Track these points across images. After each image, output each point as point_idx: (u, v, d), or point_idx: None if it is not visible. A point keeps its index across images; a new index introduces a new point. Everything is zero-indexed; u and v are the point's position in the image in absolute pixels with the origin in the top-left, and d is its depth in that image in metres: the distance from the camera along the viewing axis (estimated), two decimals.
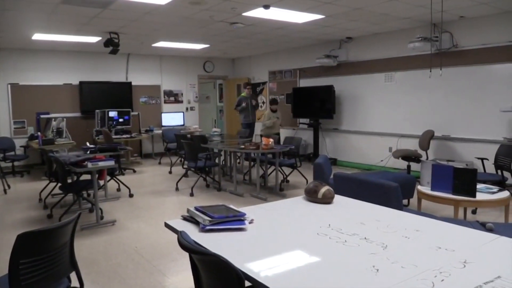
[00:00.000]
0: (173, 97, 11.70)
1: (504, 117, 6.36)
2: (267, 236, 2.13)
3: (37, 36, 7.80)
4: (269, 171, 7.33)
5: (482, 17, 6.67)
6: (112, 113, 9.86)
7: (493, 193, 4.01)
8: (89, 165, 4.88)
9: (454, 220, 3.08)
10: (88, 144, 6.95)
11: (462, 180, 3.86)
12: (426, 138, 7.01)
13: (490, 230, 2.87)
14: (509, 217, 4.16)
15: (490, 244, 1.98)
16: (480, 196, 3.86)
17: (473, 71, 6.86)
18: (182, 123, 11.30)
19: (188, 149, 7.00)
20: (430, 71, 6.74)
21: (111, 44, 7.82)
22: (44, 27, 7.04)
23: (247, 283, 1.62)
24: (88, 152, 6.10)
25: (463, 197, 3.82)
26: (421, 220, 2.41)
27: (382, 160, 8.40)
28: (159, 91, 11.43)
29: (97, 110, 9.72)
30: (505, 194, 4.00)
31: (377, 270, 1.65)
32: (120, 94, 10.62)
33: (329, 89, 9.03)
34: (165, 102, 11.55)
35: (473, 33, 6.82)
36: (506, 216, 4.12)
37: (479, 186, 4.09)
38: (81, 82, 10.06)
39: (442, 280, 1.56)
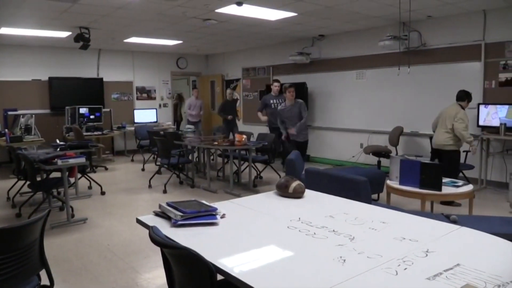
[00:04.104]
0: (146, 93, 11.58)
1: (469, 113, 6.55)
2: (238, 230, 2.16)
3: (4, 30, 7.59)
4: (243, 167, 7.37)
5: (449, 17, 6.87)
6: (83, 110, 9.68)
7: (458, 187, 4.16)
8: (59, 162, 4.79)
9: (420, 213, 3.19)
10: (58, 141, 6.81)
11: (428, 175, 4.00)
12: (396, 134, 7.18)
13: (454, 222, 2.98)
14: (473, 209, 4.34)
15: (451, 234, 2.07)
16: (445, 190, 4.01)
17: (440, 69, 7.07)
18: (155, 120, 11.20)
19: (161, 146, 6.96)
20: (399, 69, 6.91)
21: (82, 39, 7.68)
22: (11, 21, 6.86)
23: (219, 277, 1.65)
24: (58, 149, 5.98)
25: (430, 191, 3.95)
26: (388, 213, 2.49)
27: (353, 156, 8.55)
28: (132, 87, 11.29)
29: (67, 107, 9.52)
30: (468, 188, 4.17)
31: (344, 260, 1.71)
32: (91, 91, 10.43)
33: (302, 86, 9.12)
34: (137, 98, 11.41)
35: (441, 33, 7.02)
36: (470, 209, 4.28)
37: (445, 180, 4.23)
38: (50, 78, 9.83)
39: (405, 268, 1.63)
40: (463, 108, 5.60)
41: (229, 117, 9.11)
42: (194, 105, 10.47)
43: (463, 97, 5.66)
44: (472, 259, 1.72)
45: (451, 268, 1.62)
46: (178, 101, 13.63)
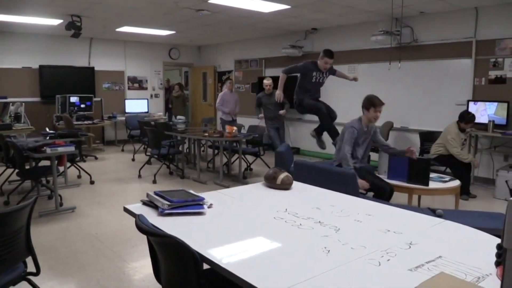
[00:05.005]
0: (137, 83, 11.51)
1: (459, 110, 6.61)
2: (224, 220, 2.18)
3: None
4: (233, 159, 7.38)
5: (441, 13, 6.90)
6: (74, 99, 9.59)
7: (445, 182, 4.21)
8: (48, 150, 4.77)
9: (407, 207, 3.22)
10: (47, 129, 6.77)
11: (416, 170, 4.04)
12: (386, 129, 7.23)
13: (439, 216, 3.02)
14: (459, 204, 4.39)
15: (435, 227, 2.11)
16: (432, 185, 4.05)
17: (431, 65, 7.11)
18: (146, 110, 11.15)
19: (152, 136, 6.95)
20: (390, 63, 6.94)
21: (73, 28, 7.59)
22: (2, 7, 6.76)
23: (205, 266, 1.67)
24: (48, 137, 5.95)
25: (417, 186, 4.00)
26: (374, 205, 2.52)
27: None
28: (123, 77, 11.22)
29: (57, 95, 9.43)
30: (455, 183, 4.22)
31: (328, 251, 1.73)
32: (82, 79, 10.35)
33: (294, 79, 9.11)
34: (129, 88, 11.35)
35: (433, 29, 7.06)
36: (456, 203, 4.35)
37: (432, 175, 4.28)
38: (41, 66, 9.74)
39: (388, 260, 1.65)
40: (460, 128, 5.73)
41: (283, 112, 7.45)
42: (228, 100, 8.33)
43: (461, 117, 5.78)
44: (454, 252, 1.75)
45: (433, 260, 1.65)
46: (181, 91, 11.16)
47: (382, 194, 3.93)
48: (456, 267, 1.58)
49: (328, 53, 5.51)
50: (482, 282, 1.45)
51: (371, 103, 4.18)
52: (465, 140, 6.12)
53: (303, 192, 2.76)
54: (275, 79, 8.64)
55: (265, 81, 7.55)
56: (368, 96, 4.30)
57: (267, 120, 7.57)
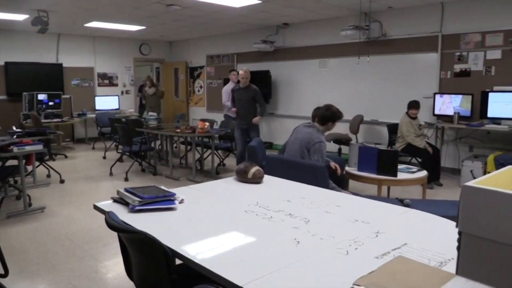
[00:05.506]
0: (108, 80, 11.30)
1: (426, 103, 6.80)
2: (196, 215, 2.18)
3: None
4: (206, 155, 7.36)
5: (409, 8, 7.05)
6: (42, 96, 9.35)
7: (413, 172, 4.33)
8: (15, 149, 4.63)
9: (376, 197, 3.30)
10: (14, 128, 6.58)
11: (385, 161, 4.13)
12: (356, 123, 7.35)
13: (407, 205, 3.10)
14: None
15: (402, 216, 2.18)
16: (400, 176, 4.16)
17: (399, 59, 7.26)
18: (117, 107, 10.96)
19: (123, 133, 6.86)
20: (359, 58, 7.05)
21: (40, 23, 7.38)
22: None
23: (177, 261, 1.67)
24: (15, 136, 5.79)
25: (386, 177, 4.09)
26: (343, 197, 2.57)
27: None
28: (93, 73, 10.98)
29: (24, 93, 9.15)
30: (423, 173, 4.34)
31: (298, 242, 1.76)
32: (50, 76, 10.07)
33: (266, 74, 9.16)
34: (99, 85, 11.12)
35: (400, 23, 7.20)
36: (423, 193, 4.48)
37: (401, 166, 4.39)
38: (6, 63, 9.42)
39: (356, 248, 1.70)
40: (409, 116, 6.20)
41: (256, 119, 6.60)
42: None
43: (407, 106, 6.28)
44: (419, 239, 1.81)
45: (399, 248, 1.70)
46: (154, 86, 9.59)
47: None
48: (420, 253, 1.64)
49: None
50: (445, 267, 1.50)
51: (338, 117, 4.04)
52: (420, 125, 6.38)
53: (274, 186, 2.79)
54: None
55: (241, 72, 6.51)
56: (335, 109, 4.11)
57: (237, 118, 6.72)
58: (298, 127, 4.16)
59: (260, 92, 6.63)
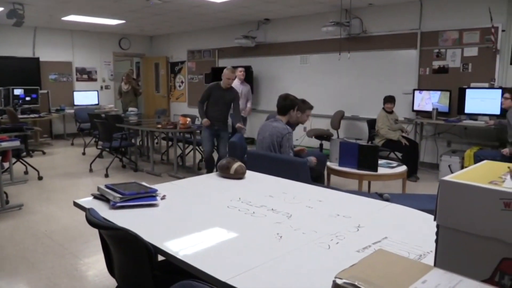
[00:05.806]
0: (86, 74, 11.12)
1: (406, 99, 6.91)
2: (178, 210, 2.18)
3: None
4: (187, 150, 7.32)
5: (389, 5, 7.13)
6: (18, 91, 9.15)
7: (392, 167, 4.40)
8: None
9: (356, 192, 3.34)
10: None
11: (365, 156, 4.18)
12: (337, 118, 7.42)
13: (386, 200, 3.16)
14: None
15: (382, 211, 2.21)
16: (381, 171, 4.22)
17: (379, 56, 7.35)
18: (96, 102, 10.81)
19: (102, 129, 6.77)
20: (340, 54, 7.10)
21: (15, 16, 7.21)
22: None
23: (160, 258, 1.67)
24: None
25: (366, 172, 4.15)
26: (324, 192, 2.60)
27: (297, 139, 8.71)
28: (71, 68, 10.79)
29: (0, 88, 8.97)
30: (402, 168, 4.41)
31: (281, 237, 1.78)
32: (27, 71, 9.86)
33: (248, 69, 9.14)
34: (77, 80, 10.93)
35: (380, 20, 7.28)
36: (403, 187, 4.55)
37: (381, 161, 4.45)
38: None
39: (337, 242, 1.72)
40: (386, 110, 6.37)
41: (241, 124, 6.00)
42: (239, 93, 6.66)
43: (383, 101, 6.46)
44: (399, 232, 1.85)
45: (379, 241, 1.73)
46: (129, 84, 9.35)
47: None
48: (400, 246, 1.67)
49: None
50: (424, 259, 1.54)
51: (296, 103, 4.10)
52: (397, 120, 6.51)
53: (256, 181, 2.80)
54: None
55: (227, 72, 5.86)
56: (292, 97, 4.17)
57: (208, 117, 5.96)
58: (261, 127, 4.22)
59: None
